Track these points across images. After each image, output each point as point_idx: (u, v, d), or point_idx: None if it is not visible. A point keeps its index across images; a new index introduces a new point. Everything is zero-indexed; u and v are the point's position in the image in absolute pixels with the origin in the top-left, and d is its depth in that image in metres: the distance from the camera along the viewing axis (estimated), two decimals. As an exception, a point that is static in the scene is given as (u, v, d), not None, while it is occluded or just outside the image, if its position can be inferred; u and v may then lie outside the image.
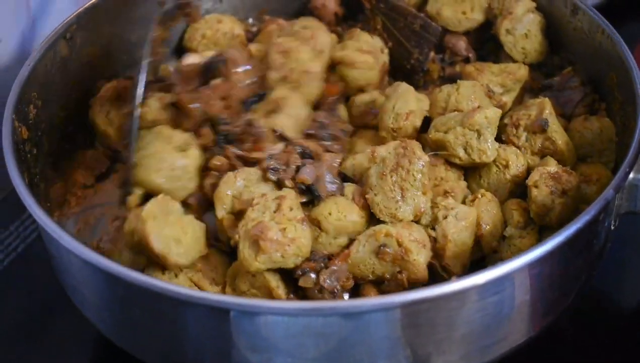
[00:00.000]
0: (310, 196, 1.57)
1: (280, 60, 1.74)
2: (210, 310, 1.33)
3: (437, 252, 1.50)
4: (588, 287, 1.56)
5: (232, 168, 1.62)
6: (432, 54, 1.90)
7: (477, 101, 1.65)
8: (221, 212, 1.56)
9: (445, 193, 1.58)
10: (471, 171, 1.63)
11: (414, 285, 1.47)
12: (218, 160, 1.64)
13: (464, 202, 1.57)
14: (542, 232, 1.55)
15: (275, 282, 1.49)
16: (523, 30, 1.82)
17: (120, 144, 1.80)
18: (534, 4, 1.84)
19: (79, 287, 1.51)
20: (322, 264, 1.49)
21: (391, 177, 1.52)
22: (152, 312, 1.40)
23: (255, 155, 1.63)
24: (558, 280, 1.44)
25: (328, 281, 1.47)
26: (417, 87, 1.76)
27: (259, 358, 1.35)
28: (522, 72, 1.80)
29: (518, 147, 1.62)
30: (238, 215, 1.54)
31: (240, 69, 1.74)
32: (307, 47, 1.75)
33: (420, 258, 1.47)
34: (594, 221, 1.39)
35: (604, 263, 1.58)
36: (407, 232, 1.48)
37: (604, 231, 1.50)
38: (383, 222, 1.53)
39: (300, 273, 1.47)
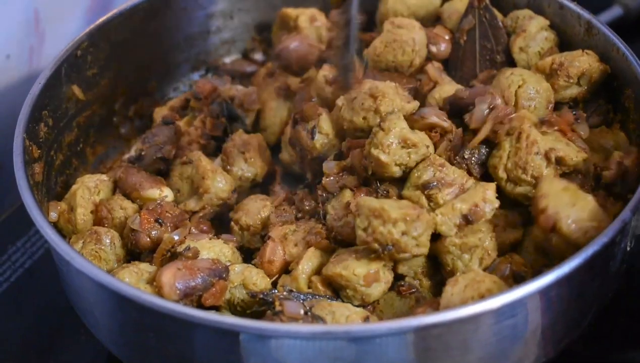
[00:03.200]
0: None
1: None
2: (221, 333, 1.32)
3: None
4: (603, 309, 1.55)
5: None
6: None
7: None
8: None
9: None
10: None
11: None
12: None
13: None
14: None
15: None
16: (536, 48, 1.81)
17: None
18: (547, 22, 1.83)
19: (91, 309, 1.51)
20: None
21: None
22: (163, 333, 1.39)
23: None
24: (575, 303, 1.42)
25: None
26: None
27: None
28: None
29: None
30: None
31: None
32: None
33: None
34: (611, 243, 1.37)
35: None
36: None
37: (620, 253, 1.48)
38: None
39: None
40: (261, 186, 1.83)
